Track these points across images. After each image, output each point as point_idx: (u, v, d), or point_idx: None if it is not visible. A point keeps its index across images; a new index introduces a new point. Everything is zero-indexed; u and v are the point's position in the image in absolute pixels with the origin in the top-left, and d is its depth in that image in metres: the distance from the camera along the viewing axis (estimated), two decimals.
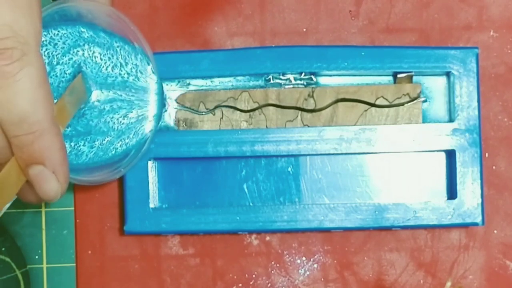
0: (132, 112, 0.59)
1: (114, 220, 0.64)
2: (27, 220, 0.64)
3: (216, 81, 0.63)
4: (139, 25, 0.63)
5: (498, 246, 0.64)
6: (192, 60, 0.62)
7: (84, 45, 0.58)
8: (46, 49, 0.58)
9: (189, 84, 0.63)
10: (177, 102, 0.63)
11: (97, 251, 0.64)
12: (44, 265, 0.64)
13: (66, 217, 0.64)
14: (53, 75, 0.58)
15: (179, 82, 0.63)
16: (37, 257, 0.64)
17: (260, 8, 0.64)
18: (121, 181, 0.63)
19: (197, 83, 0.63)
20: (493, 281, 0.64)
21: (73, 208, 0.64)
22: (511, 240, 0.64)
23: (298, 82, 0.63)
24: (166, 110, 0.63)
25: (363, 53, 0.62)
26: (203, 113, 0.63)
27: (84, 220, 0.64)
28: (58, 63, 0.58)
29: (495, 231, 0.64)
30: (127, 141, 0.59)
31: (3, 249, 0.63)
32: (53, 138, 0.49)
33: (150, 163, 0.62)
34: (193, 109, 0.63)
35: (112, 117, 0.59)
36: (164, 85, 0.63)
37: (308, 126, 0.63)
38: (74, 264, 0.64)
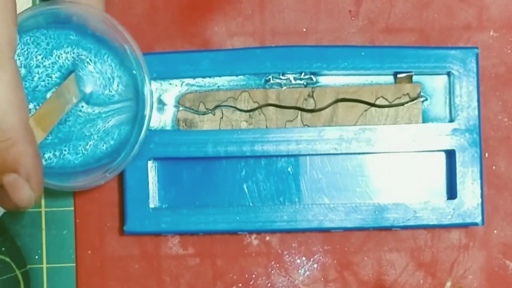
0: (120, 116, 0.59)
1: (114, 220, 0.64)
2: (27, 220, 0.64)
3: (216, 81, 0.63)
4: (139, 25, 0.63)
5: (498, 246, 0.64)
6: (192, 60, 0.62)
7: (70, 48, 0.58)
8: (27, 49, 0.58)
9: (188, 84, 0.63)
10: (178, 103, 0.63)
11: (97, 251, 0.64)
12: (44, 265, 0.64)
13: (66, 217, 0.64)
14: (30, 78, 0.57)
15: (179, 82, 0.63)
16: (37, 257, 0.64)
17: (260, 8, 0.64)
18: (121, 181, 0.63)
19: (197, 83, 0.63)
20: (493, 281, 0.64)
21: (73, 208, 0.64)
22: (511, 240, 0.64)
23: (298, 82, 0.63)
24: (159, 111, 0.63)
25: (363, 53, 0.62)
26: (203, 113, 0.63)
27: (84, 220, 0.64)
28: (38, 66, 0.58)
29: (495, 231, 0.64)
30: (113, 145, 0.59)
31: (3, 249, 0.63)
32: (27, 146, 0.49)
33: (150, 163, 0.62)
34: (193, 109, 0.63)
35: (100, 122, 0.59)
36: (164, 85, 0.63)
37: (308, 126, 0.63)
38: (74, 264, 0.64)
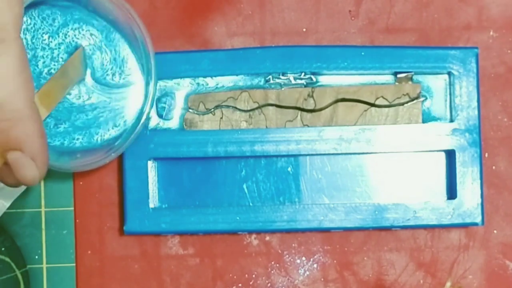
0: (128, 100, 0.59)
1: (114, 220, 0.64)
2: (27, 220, 0.64)
3: (216, 81, 0.63)
4: None
5: (498, 246, 0.64)
6: (192, 60, 0.62)
7: (78, 25, 0.58)
8: (34, 24, 0.57)
9: (189, 84, 0.63)
10: (187, 105, 0.63)
11: (97, 251, 0.64)
12: (44, 265, 0.64)
13: (66, 217, 0.64)
14: (34, 63, 0.57)
15: (180, 82, 0.63)
16: (36, 257, 0.64)
17: (260, 8, 0.64)
18: (121, 181, 0.63)
19: (197, 84, 0.63)
20: (493, 281, 0.64)
21: (73, 208, 0.64)
22: (511, 240, 0.64)
23: (298, 82, 0.63)
24: (166, 106, 0.63)
25: (363, 53, 0.62)
26: (203, 113, 0.63)
27: (84, 220, 0.64)
28: (44, 48, 0.58)
29: (495, 231, 0.64)
30: (116, 129, 0.60)
31: (2, 249, 0.63)
32: (32, 125, 0.49)
33: (150, 163, 0.62)
34: (193, 109, 0.63)
35: (110, 107, 0.59)
36: (165, 85, 0.63)
37: (308, 126, 0.63)
38: (74, 264, 0.64)
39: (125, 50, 0.59)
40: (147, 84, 0.59)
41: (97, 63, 0.59)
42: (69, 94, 0.59)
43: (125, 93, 0.60)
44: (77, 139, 0.59)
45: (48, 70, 0.58)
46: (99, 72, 0.59)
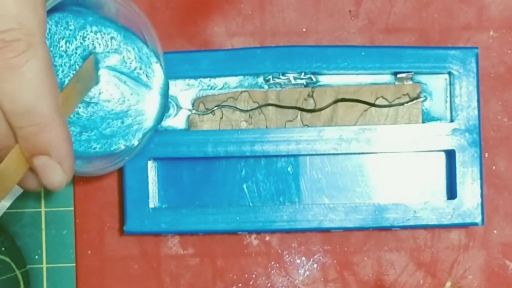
0: (136, 106, 0.59)
1: (114, 220, 0.64)
2: (27, 220, 0.64)
3: (216, 81, 0.63)
4: None
5: (497, 246, 0.64)
6: (192, 60, 0.62)
7: (89, 33, 0.58)
8: (49, 29, 0.57)
9: (189, 84, 0.63)
10: (192, 106, 0.63)
11: (96, 251, 0.64)
12: (44, 265, 0.64)
13: (66, 217, 0.64)
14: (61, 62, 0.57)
15: (182, 82, 0.63)
16: (36, 257, 0.64)
17: (260, 8, 0.64)
18: (121, 181, 0.63)
19: (197, 84, 0.63)
20: (493, 281, 0.64)
21: (72, 208, 0.64)
22: (511, 240, 0.64)
23: (298, 82, 0.63)
24: (170, 109, 0.63)
25: (363, 53, 0.62)
26: (203, 113, 0.63)
27: (84, 220, 0.64)
28: (61, 56, 0.57)
29: (495, 231, 0.64)
30: (130, 137, 0.59)
31: (2, 249, 0.63)
32: (58, 129, 0.49)
33: (150, 163, 0.62)
34: (193, 110, 0.63)
35: (117, 112, 0.59)
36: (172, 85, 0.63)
37: (308, 126, 0.63)
38: (74, 264, 0.64)
39: (142, 50, 0.59)
40: (165, 86, 0.59)
41: (120, 66, 0.59)
42: (109, 101, 0.59)
43: (147, 94, 0.59)
44: (94, 148, 0.59)
45: (69, 80, 0.58)
46: (124, 72, 0.59)
